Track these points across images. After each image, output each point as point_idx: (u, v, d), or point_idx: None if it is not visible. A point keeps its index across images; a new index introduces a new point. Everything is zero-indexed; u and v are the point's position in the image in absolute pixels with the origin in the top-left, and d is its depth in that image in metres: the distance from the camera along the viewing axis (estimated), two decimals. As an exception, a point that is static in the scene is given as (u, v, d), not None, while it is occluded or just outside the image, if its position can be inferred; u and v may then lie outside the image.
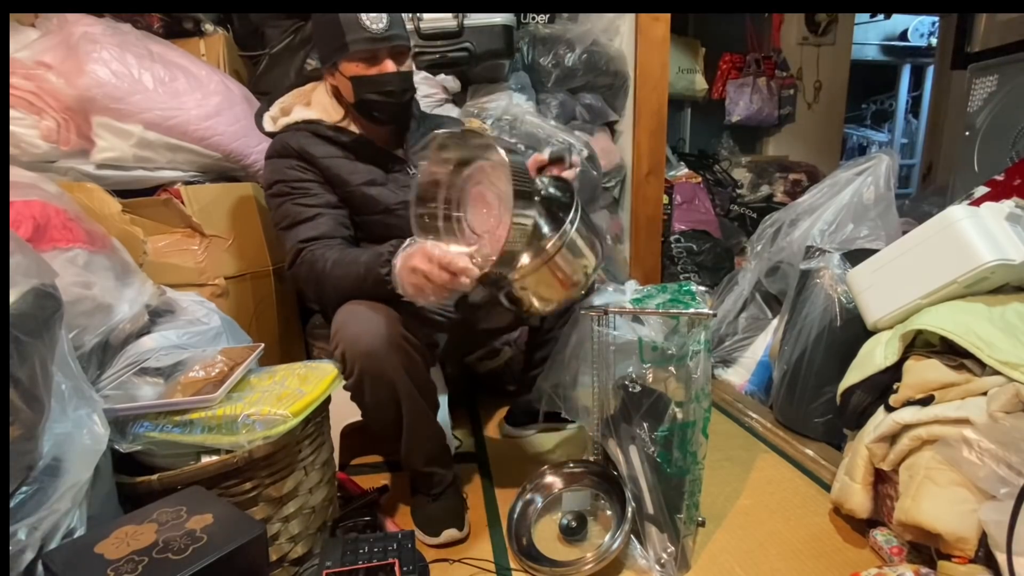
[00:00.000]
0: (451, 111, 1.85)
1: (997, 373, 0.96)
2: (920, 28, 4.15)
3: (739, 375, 1.82)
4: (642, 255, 2.22)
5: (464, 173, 1.03)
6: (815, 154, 3.22)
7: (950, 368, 1.02)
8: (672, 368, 1.05)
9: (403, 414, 1.07)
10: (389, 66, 1.14)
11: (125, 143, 1.29)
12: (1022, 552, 0.82)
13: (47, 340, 0.72)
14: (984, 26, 2.11)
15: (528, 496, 1.20)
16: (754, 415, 1.62)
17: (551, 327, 1.33)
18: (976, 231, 1.08)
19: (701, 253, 2.44)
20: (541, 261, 0.93)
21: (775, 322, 1.73)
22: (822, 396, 1.40)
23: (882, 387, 1.14)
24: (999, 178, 1.59)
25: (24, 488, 0.67)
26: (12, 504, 0.66)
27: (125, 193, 1.33)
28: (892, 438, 1.06)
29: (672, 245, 2.46)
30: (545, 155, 1.07)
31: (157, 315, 1.14)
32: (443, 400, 1.33)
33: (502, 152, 0.87)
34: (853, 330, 1.31)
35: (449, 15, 1.73)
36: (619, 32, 2.13)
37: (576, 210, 0.95)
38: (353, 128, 1.22)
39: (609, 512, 1.15)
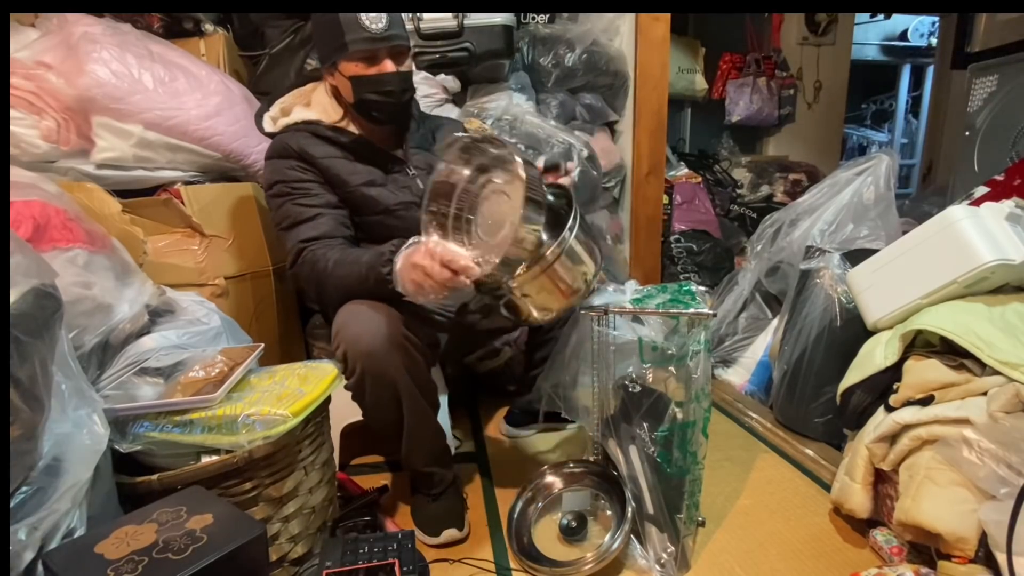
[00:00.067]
0: (451, 111, 1.85)
1: (997, 373, 0.96)
2: (920, 28, 4.15)
3: (739, 375, 1.82)
4: (642, 255, 2.22)
5: (480, 178, 1.04)
6: (815, 154, 3.22)
7: (950, 368, 1.02)
8: (672, 368, 1.05)
9: (404, 414, 1.07)
10: (388, 66, 1.14)
11: (125, 143, 1.29)
12: (1022, 552, 0.82)
13: (47, 340, 0.72)
14: (984, 26, 2.11)
15: (528, 496, 1.20)
16: (754, 415, 1.62)
17: (551, 327, 1.34)
18: (976, 231, 1.08)
19: (701, 253, 2.44)
20: (540, 268, 0.93)
21: (775, 322, 1.73)
22: (822, 396, 1.40)
23: (882, 387, 1.14)
24: (999, 178, 1.59)
25: (24, 488, 0.67)
26: (12, 504, 0.66)
27: (125, 193, 1.33)
28: (892, 438, 1.06)
29: (672, 245, 2.46)
30: (540, 163, 1.07)
31: (157, 315, 1.14)
32: (443, 400, 1.33)
33: (520, 166, 0.87)
34: (853, 330, 1.31)
35: (449, 15, 1.73)
36: (619, 32, 2.14)
37: (575, 217, 0.95)
38: (352, 128, 1.22)
39: (609, 512, 1.15)
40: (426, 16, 1.72)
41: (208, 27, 1.65)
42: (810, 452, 1.40)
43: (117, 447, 0.86)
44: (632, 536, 1.09)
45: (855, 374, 1.20)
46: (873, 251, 1.31)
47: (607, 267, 2.11)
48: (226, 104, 1.42)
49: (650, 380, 1.10)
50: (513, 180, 0.98)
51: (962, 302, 1.11)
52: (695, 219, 2.53)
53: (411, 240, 0.97)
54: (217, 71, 1.48)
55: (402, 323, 1.04)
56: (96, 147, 1.28)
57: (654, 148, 2.12)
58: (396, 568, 0.88)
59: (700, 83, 3.03)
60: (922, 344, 1.13)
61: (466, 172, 1.04)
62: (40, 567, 0.67)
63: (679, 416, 1.04)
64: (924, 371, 1.05)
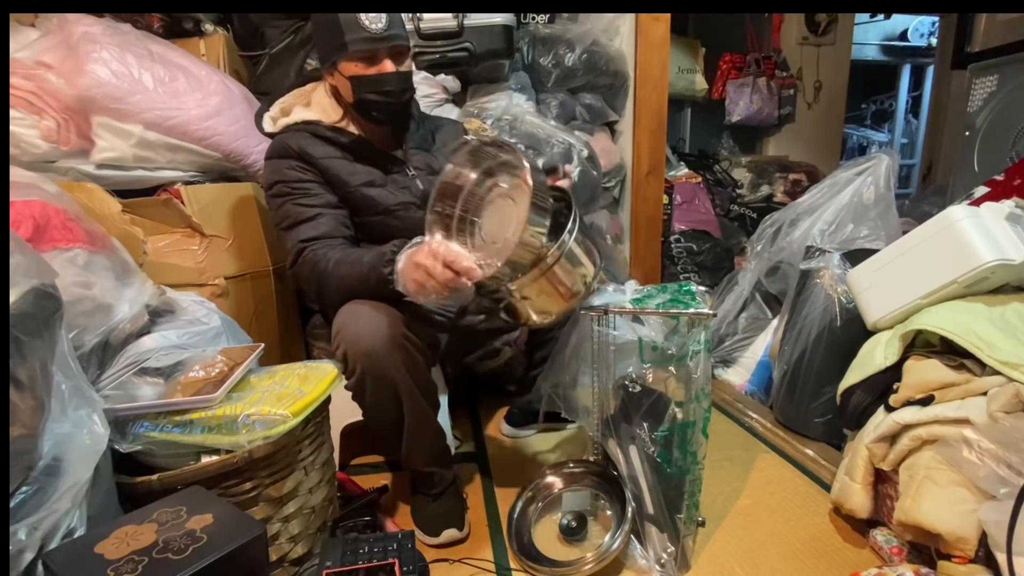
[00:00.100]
0: (451, 111, 1.85)
1: (997, 373, 0.96)
2: (920, 28, 4.15)
3: (739, 375, 1.82)
4: (642, 255, 2.22)
5: (487, 182, 1.05)
6: (815, 154, 3.22)
7: (950, 368, 1.02)
8: (672, 368, 1.05)
9: (404, 414, 1.07)
10: (388, 66, 1.14)
11: (125, 143, 1.29)
12: (1022, 552, 0.82)
13: (47, 340, 0.72)
14: (984, 26, 2.11)
15: (528, 496, 1.20)
16: (754, 415, 1.62)
17: (551, 327, 1.34)
18: (976, 231, 1.08)
19: (701, 253, 2.45)
20: (540, 271, 0.93)
21: (775, 322, 1.73)
22: (822, 396, 1.40)
23: (882, 387, 1.14)
24: (999, 178, 1.59)
25: (24, 488, 0.67)
26: (12, 504, 0.66)
27: (125, 193, 1.33)
28: (892, 438, 1.06)
29: (672, 245, 2.46)
30: (539, 165, 1.07)
31: (157, 315, 1.14)
32: (443, 400, 1.33)
33: (528, 172, 0.88)
34: (853, 330, 1.31)
35: (449, 15, 1.73)
36: (619, 32, 2.13)
37: (574, 220, 0.95)
38: (352, 129, 1.22)
39: (609, 512, 1.15)
40: (426, 16, 1.72)
41: (208, 27, 1.65)
42: (810, 452, 1.40)
43: (117, 447, 0.86)
44: (632, 536, 1.09)
45: (855, 374, 1.20)
46: (873, 251, 1.31)
47: (607, 267, 2.11)
48: (226, 104, 1.42)
49: (650, 380, 1.10)
50: (519, 186, 0.99)
51: (962, 302, 1.11)
52: (695, 219, 2.53)
53: (414, 240, 0.98)
54: (217, 71, 1.48)
55: (402, 323, 1.04)
56: (96, 147, 1.28)
57: (654, 148, 2.12)
58: (396, 568, 0.88)
59: (700, 83, 3.03)
60: (922, 344, 1.13)
61: (473, 175, 1.05)
62: (40, 567, 0.67)
63: (679, 416, 1.04)
64: (924, 371, 1.05)
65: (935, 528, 0.92)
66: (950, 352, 1.05)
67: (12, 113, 1.22)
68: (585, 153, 1.88)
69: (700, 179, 2.69)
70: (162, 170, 1.37)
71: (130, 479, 0.86)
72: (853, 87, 3.40)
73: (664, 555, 1.05)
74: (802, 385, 1.45)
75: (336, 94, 1.21)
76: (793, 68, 3.17)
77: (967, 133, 2.13)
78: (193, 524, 0.72)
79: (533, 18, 2.08)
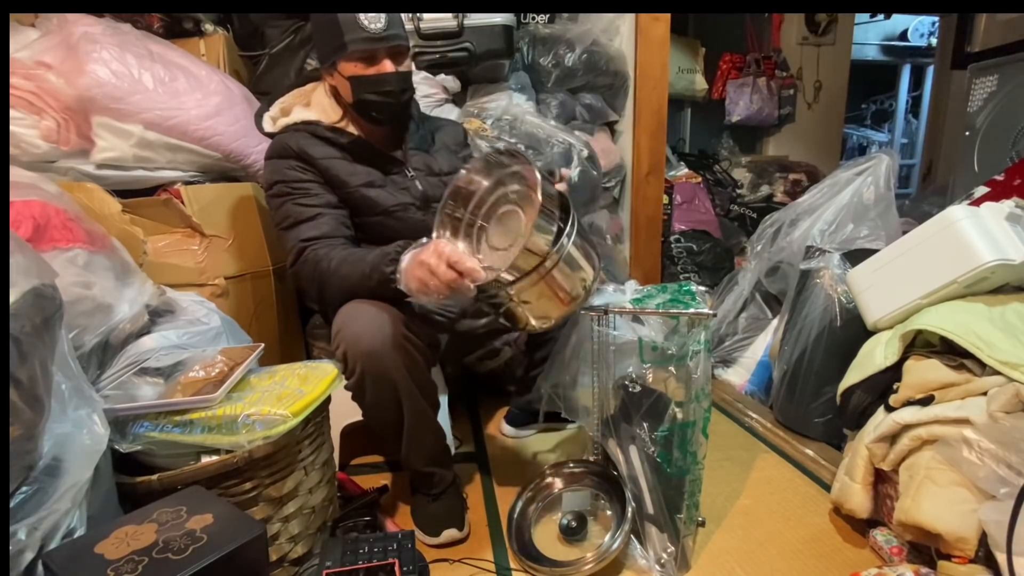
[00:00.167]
0: (451, 111, 1.85)
1: (997, 373, 0.96)
2: (920, 28, 4.15)
3: (739, 375, 1.82)
4: (642, 255, 2.22)
5: (498, 191, 1.07)
6: (815, 154, 3.22)
7: (950, 368, 1.02)
8: (672, 368, 1.05)
9: (404, 414, 1.07)
10: (387, 66, 1.14)
11: (125, 143, 1.29)
12: (1022, 552, 0.82)
13: (47, 340, 0.72)
14: (984, 26, 2.11)
15: (528, 496, 1.20)
16: (754, 415, 1.62)
17: (550, 330, 1.34)
18: (976, 231, 1.08)
19: (701, 253, 2.45)
20: (539, 275, 0.93)
21: (775, 322, 1.73)
22: (822, 396, 1.40)
23: (882, 387, 1.14)
24: (999, 178, 1.59)
25: (24, 488, 0.67)
26: (12, 504, 0.66)
27: (125, 193, 1.33)
28: (892, 438, 1.06)
29: (672, 245, 2.46)
30: None
31: (157, 315, 1.14)
32: (443, 400, 1.33)
33: (538, 186, 0.90)
34: (853, 330, 1.31)
35: (449, 15, 1.73)
36: (619, 32, 2.13)
37: (572, 224, 0.95)
38: (351, 129, 1.22)
39: (609, 512, 1.15)
40: (426, 16, 1.72)
41: (208, 27, 1.65)
42: (810, 452, 1.40)
43: (117, 447, 0.86)
44: (632, 536, 1.09)
45: (855, 374, 1.20)
46: (873, 251, 1.31)
47: (607, 267, 2.11)
48: (226, 104, 1.42)
49: (650, 380, 1.10)
50: (529, 196, 1.01)
51: (962, 302, 1.11)
52: (695, 219, 2.53)
53: (420, 241, 0.99)
54: (217, 71, 1.48)
55: (402, 323, 1.04)
56: (96, 147, 1.28)
57: (654, 148, 2.12)
58: (396, 568, 0.88)
59: (700, 83, 3.03)
60: (922, 344, 1.13)
61: (485, 183, 1.08)
62: (40, 567, 0.67)
63: (679, 416, 1.04)
64: (924, 371, 1.05)
65: (935, 528, 0.92)
66: (950, 352, 1.05)
67: (12, 113, 1.22)
68: (585, 153, 1.88)
69: (700, 179, 2.69)
70: (162, 170, 1.37)
71: (130, 479, 0.86)
72: (853, 87, 3.41)
73: (664, 555, 1.05)
74: (802, 385, 1.45)
75: (336, 94, 1.21)
76: (793, 68, 3.17)
77: (967, 133, 2.13)
78: (193, 524, 0.72)
79: (533, 18, 2.08)
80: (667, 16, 2.01)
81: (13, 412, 0.65)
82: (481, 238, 1.09)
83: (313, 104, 1.24)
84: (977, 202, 1.40)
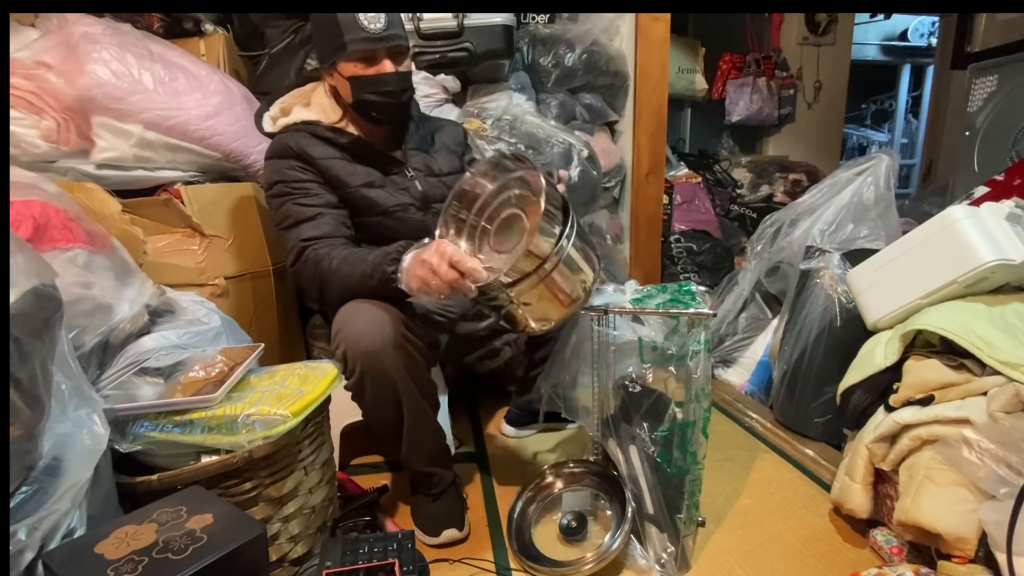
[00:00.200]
0: (451, 111, 1.85)
1: (997, 373, 0.96)
2: (920, 28, 4.15)
3: (739, 375, 1.82)
4: (642, 255, 2.22)
5: (503, 195, 1.08)
6: (815, 154, 3.22)
7: (950, 368, 1.02)
8: (672, 368, 1.05)
9: (404, 414, 1.07)
10: (387, 66, 1.14)
11: (125, 143, 1.29)
12: (1022, 552, 0.82)
13: (47, 340, 0.72)
14: (984, 26, 2.11)
15: (528, 496, 1.20)
16: (754, 415, 1.62)
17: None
18: (976, 231, 1.08)
19: (701, 253, 2.45)
20: (539, 278, 0.93)
21: (775, 322, 1.73)
22: (822, 396, 1.40)
23: (882, 387, 1.14)
24: (999, 178, 1.59)
25: (24, 488, 0.67)
26: (12, 504, 0.66)
27: (125, 193, 1.33)
28: (892, 438, 1.06)
29: (672, 245, 2.46)
30: None
31: (157, 315, 1.14)
32: (443, 400, 1.33)
33: (543, 193, 0.90)
34: (853, 330, 1.31)
35: (449, 15, 1.73)
36: (619, 32, 2.13)
37: (572, 226, 0.96)
38: (351, 129, 1.21)
39: (609, 512, 1.15)
40: (426, 16, 1.72)
41: (208, 27, 1.65)
42: (810, 452, 1.40)
43: (117, 447, 0.86)
44: (632, 536, 1.09)
45: (855, 374, 1.20)
46: (873, 251, 1.31)
47: (607, 267, 2.11)
48: (226, 104, 1.42)
49: (650, 380, 1.10)
50: (533, 201, 1.01)
51: (962, 302, 1.11)
52: (695, 219, 2.53)
53: (422, 241, 0.99)
54: (217, 71, 1.48)
55: (402, 323, 1.04)
56: (96, 147, 1.28)
57: (654, 148, 2.12)
58: (396, 568, 0.88)
59: (700, 83, 3.03)
60: (922, 344, 1.13)
61: (490, 187, 1.08)
62: (40, 567, 0.67)
63: (679, 416, 1.04)
64: (924, 371, 1.05)
65: (935, 528, 0.92)
66: (950, 352, 1.05)
67: (12, 113, 1.22)
68: (585, 153, 1.88)
69: (700, 179, 2.69)
70: (162, 170, 1.37)
71: (130, 479, 0.86)
72: (853, 87, 3.41)
73: (664, 555, 1.05)
74: (802, 385, 1.45)
75: (335, 94, 1.21)
76: (793, 68, 3.17)
77: (967, 133, 2.13)
78: (193, 524, 0.72)
79: (533, 18, 2.08)
80: (667, 16, 2.01)
81: (13, 412, 0.65)
82: (484, 240, 1.10)
83: (313, 104, 1.24)
84: (977, 202, 1.40)
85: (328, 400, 1.06)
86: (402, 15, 1.18)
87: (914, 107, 4.68)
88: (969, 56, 2.15)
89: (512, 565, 1.09)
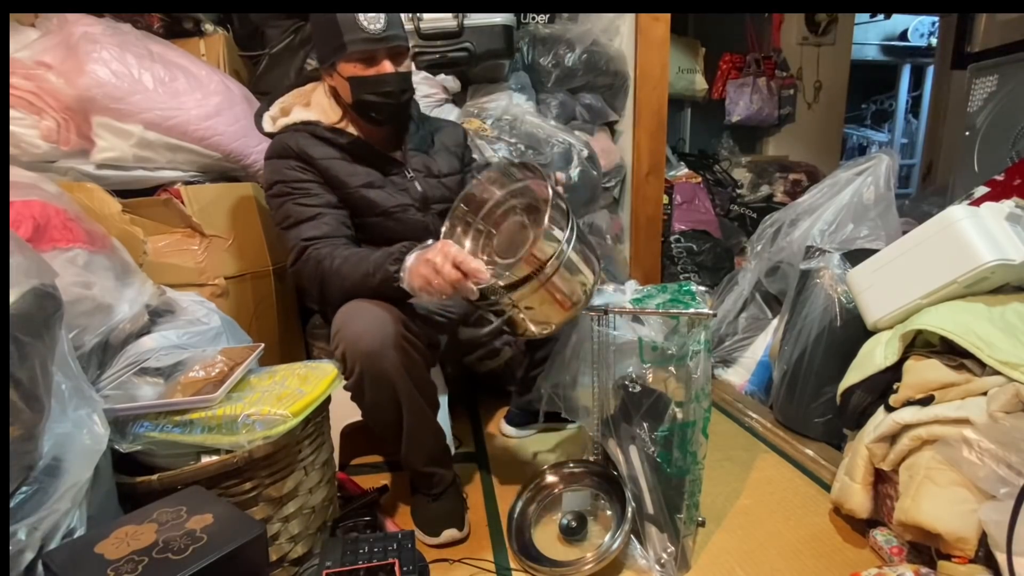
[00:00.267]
0: (451, 111, 1.85)
1: (997, 373, 0.96)
2: (920, 28, 4.15)
3: (739, 375, 1.82)
4: (642, 255, 2.22)
5: (509, 201, 1.10)
6: (815, 154, 3.22)
7: (950, 368, 1.02)
8: (672, 368, 1.05)
9: (403, 414, 1.07)
10: (387, 67, 1.14)
11: (125, 143, 1.29)
12: (1022, 552, 0.82)
13: (47, 340, 0.72)
14: (984, 26, 2.11)
15: (528, 496, 1.20)
16: (754, 415, 1.62)
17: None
18: (976, 231, 1.08)
19: (701, 253, 2.44)
20: (539, 282, 0.94)
21: (775, 322, 1.73)
22: (822, 396, 1.40)
23: (882, 387, 1.14)
24: (999, 178, 1.59)
25: (24, 488, 0.67)
26: (12, 504, 0.66)
27: (125, 193, 1.33)
28: (892, 438, 1.06)
29: (672, 245, 2.46)
30: None
31: (157, 315, 1.14)
32: (443, 400, 1.33)
33: (549, 201, 0.92)
34: (853, 330, 1.31)
35: (449, 15, 1.73)
36: (619, 32, 2.13)
37: (572, 229, 0.96)
38: (351, 130, 1.21)
39: (609, 512, 1.15)
40: (426, 16, 1.72)
41: (208, 27, 1.65)
42: (810, 452, 1.40)
43: (117, 447, 0.86)
44: (632, 536, 1.09)
45: (855, 374, 1.20)
46: (873, 251, 1.31)
47: (607, 267, 2.11)
48: (226, 104, 1.42)
49: (650, 380, 1.10)
50: (537, 211, 1.03)
51: (962, 302, 1.11)
52: (695, 219, 2.53)
53: (426, 242, 1.00)
54: (217, 71, 1.48)
55: (402, 323, 1.04)
56: (96, 147, 1.28)
57: (654, 148, 2.12)
58: (396, 568, 0.88)
59: (700, 83, 3.03)
60: (922, 344, 1.13)
61: (497, 193, 1.10)
62: (40, 567, 0.67)
63: (679, 416, 1.04)
64: (924, 371, 1.05)
65: (935, 528, 0.92)
66: (950, 352, 1.05)
67: (12, 113, 1.22)
68: (585, 153, 1.88)
69: (700, 179, 2.69)
70: (162, 170, 1.37)
71: (130, 479, 0.86)
72: (853, 87, 3.40)
73: (664, 555, 1.05)
74: (802, 385, 1.45)
75: (335, 95, 1.21)
76: (793, 68, 3.17)
77: (967, 133, 2.14)
78: (193, 524, 0.72)
79: (533, 18, 2.08)
80: (667, 16, 2.01)
81: (13, 412, 0.65)
82: (487, 245, 1.11)
83: (313, 104, 1.24)
84: (977, 202, 1.40)
85: (328, 400, 1.06)
86: (402, 15, 1.18)
87: (914, 107, 4.68)
88: (969, 56, 2.16)
89: (512, 565, 1.09)
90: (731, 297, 1.92)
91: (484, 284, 0.91)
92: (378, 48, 1.12)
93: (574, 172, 1.83)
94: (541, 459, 1.47)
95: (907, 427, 1.02)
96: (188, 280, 1.35)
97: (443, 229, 1.09)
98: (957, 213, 1.12)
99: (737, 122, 3.09)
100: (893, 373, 1.12)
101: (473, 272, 0.90)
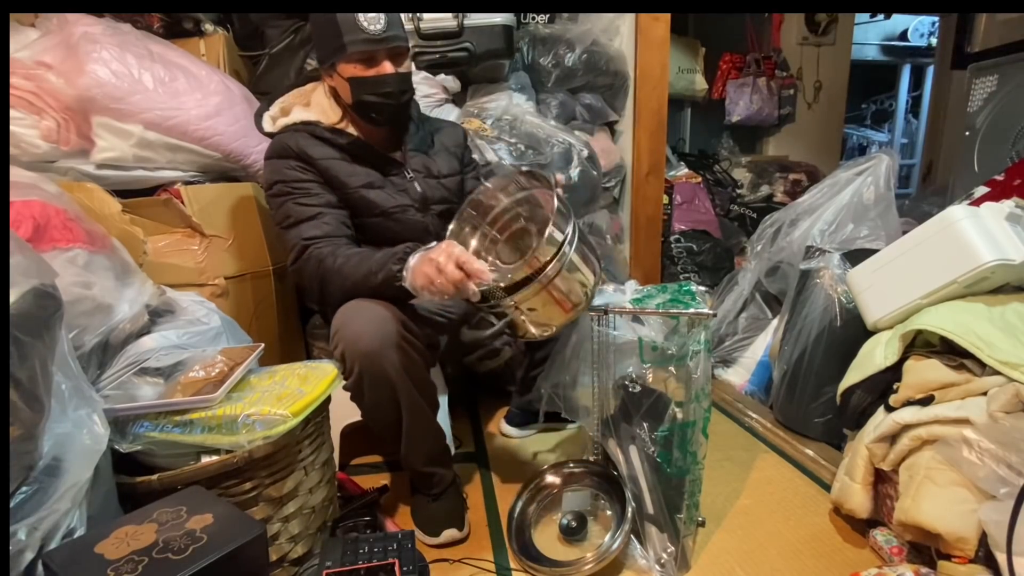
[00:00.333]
0: (451, 111, 1.85)
1: (997, 373, 0.96)
2: (920, 28, 4.15)
3: (739, 375, 1.82)
4: (642, 255, 2.22)
5: (515, 209, 1.12)
6: (815, 154, 3.22)
7: (950, 368, 1.02)
8: (672, 368, 1.05)
9: (403, 414, 1.07)
10: (387, 67, 1.14)
11: (125, 143, 1.29)
12: (1022, 552, 0.82)
13: (47, 340, 0.72)
14: (984, 26, 2.11)
15: (528, 496, 1.20)
16: (754, 415, 1.62)
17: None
18: (976, 231, 1.08)
19: (701, 253, 2.44)
20: (541, 285, 0.94)
21: (775, 322, 1.73)
22: (822, 396, 1.40)
23: (882, 387, 1.14)
24: (999, 178, 1.59)
25: (24, 488, 0.67)
26: (12, 504, 0.66)
27: (125, 193, 1.33)
28: (892, 438, 1.06)
29: (672, 245, 2.46)
30: None
31: (157, 315, 1.14)
32: (443, 400, 1.33)
33: (554, 211, 0.93)
34: (853, 330, 1.31)
35: (449, 15, 1.73)
36: (619, 32, 2.13)
37: (573, 231, 0.96)
38: (351, 130, 1.21)
39: (609, 512, 1.15)
40: (426, 16, 1.72)
41: (208, 27, 1.65)
42: (810, 452, 1.40)
43: (117, 447, 0.86)
44: (632, 536, 1.09)
45: (855, 374, 1.20)
46: (873, 251, 1.31)
47: (607, 267, 2.11)
48: (226, 104, 1.42)
49: (650, 380, 1.10)
50: (542, 219, 1.04)
51: (962, 302, 1.11)
52: (695, 219, 2.53)
53: (430, 244, 1.00)
54: (217, 71, 1.48)
55: (401, 323, 1.04)
56: (96, 147, 1.28)
57: (654, 148, 2.12)
58: (396, 568, 0.88)
59: (700, 83, 3.03)
60: (922, 344, 1.13)
61: (504, 201, 1.12)
62: (40, 567, 0.67)
63: (679, 416, 1.04)
64: (924, 371, 1.05)
65: (935, 528, 0.92)
66: (950, 352, 1.05)
67: (12, 113, 1.22)
68: (585, 153, 1.88)
69: (700, 179, 2.69)
70: (162, 170, 1.37)
71: (130, 479, 0.86)
72: (853, 87, 3.40)
73: (664, 555, 1.05)
74: (802, 385, 1.45)
75: (335, 95, 1.21)
76: (793, 68, 3.17)
77: (967, 133, 2.14)
78: (193, 524, 0.72)
79: (533, 18, 2.08)
80: (667, 16, 2.01)
81: (13, 412, 0.65)
82: (492, 249, 1.13)
83: (313, 104, 1.24)
84: (977, 202, 1.40)
85: (328, 400, 1.06)
86: (402, 15, 1.18)
87: (914, 107, 4.68)
88: (969, 56, 2.16)
89: (512, 565, 1.09)
90: (731, 297, 1.92)
91: (486, 285, 0.91)
92: (378, 49, 1.12)
93: (574, 172, 1.83)
94: (541, 459, 1.47)
95: (907, 427, 1.02)
96: (188, 280, 1.35)
97: (451, 227, 1.11)
98: (957, 213, 1.12)
99: (737, 122, 3.09)
100: (893, 373, 1.12)
101: (476, 273, 0.90)
